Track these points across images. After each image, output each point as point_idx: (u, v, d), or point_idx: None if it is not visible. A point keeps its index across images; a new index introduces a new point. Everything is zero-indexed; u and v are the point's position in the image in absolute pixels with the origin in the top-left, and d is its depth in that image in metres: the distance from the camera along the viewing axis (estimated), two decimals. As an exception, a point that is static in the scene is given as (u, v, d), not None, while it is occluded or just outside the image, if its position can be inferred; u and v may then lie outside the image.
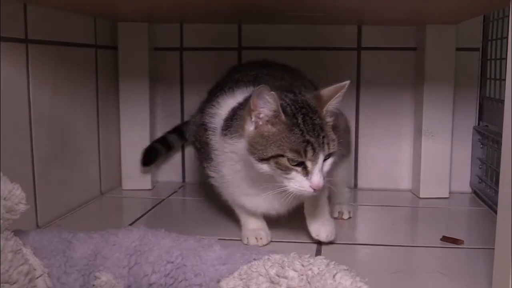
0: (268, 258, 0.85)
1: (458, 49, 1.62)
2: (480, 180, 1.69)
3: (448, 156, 1.65)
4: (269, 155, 1.04)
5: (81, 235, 0.96)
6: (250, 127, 1.07)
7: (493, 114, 1.60)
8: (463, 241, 1.23)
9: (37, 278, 0.85)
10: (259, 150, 1.05)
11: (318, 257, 0.85)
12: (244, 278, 0.84)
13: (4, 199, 0.81)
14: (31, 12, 1.26)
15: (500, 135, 0.88)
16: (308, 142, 1.04)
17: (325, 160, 1.06)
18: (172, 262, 0.89)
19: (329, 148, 1.06)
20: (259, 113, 1.05)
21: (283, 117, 1.04)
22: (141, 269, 0.89)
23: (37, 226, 1.31)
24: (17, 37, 1.23)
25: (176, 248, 0.91)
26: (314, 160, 1.04)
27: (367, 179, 1.74)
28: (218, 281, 0.85)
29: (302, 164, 1.04)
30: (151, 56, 1.73)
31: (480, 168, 1.70)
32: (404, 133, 1.75)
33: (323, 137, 1.05)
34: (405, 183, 1.75)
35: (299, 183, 1.05)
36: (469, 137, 1.70)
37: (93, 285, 0.88)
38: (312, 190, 1.05)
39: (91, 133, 1.61)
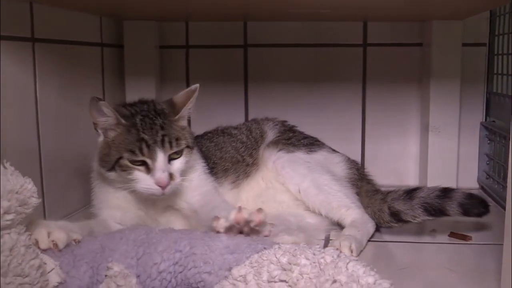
0: (279, 247, 0.86)
1: (464, 44, 1.62)
2: (488, 176, 1.68)
3: (455, 152, 1.65)
4: (113, 160, 1.07)
5: (86, 237, 0.98)
6: (99, 138, 1.11)
7: (501, 110, 1.60)
8: (471, 237, 1.23)
9: (49, 272, 0.86)
10: (106, 160, 1.09)
11: (329, 247, 0.86)
12: (255, 266, 0.84)
13: (17, 192, 0.81)
14: (37, 11, 1.26)
15: (507, 130, 0.88)
16: (142, 139, 1.07)
17: (173, 159, 1.09)
18: (181, 251, 0.90)
19: (170, 147, 1.08)
20: (99, 123, 1.09)
21: (122, 121, 1.08)
22: (150, 258, 0.90)
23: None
24: (23, 36, 1.23)
25: (183, 239, 0.92)
26: (153, 157, 1.06)
27: (374, 175, 1.72)
28: (230, 269, 0.86)
29: (144, 163, 1.07)
30: (157, 55, 1.74)
31: (487, 164, 1.69)
32: (410, 129, 1.75)
33: (163, 135, 1.08)
34: (412, 179, 1.75)
35: (144, 182, 1.07)
36: (476, 133, 1.70)
37: (106, 276, 0.89)
38: (159, 188, 1.07)
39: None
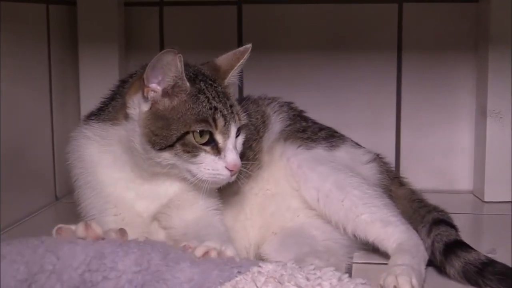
0: (259, 271, 0.86)
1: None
2: None
3: (523, 144, 1.63)
4: (175, 137, 1.09)
5: (10, 249, 0.92)
6: (143, 108, 1.11)
7: None
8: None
9: None
10: (161, 135, 1.09)
11: (326, 268, 0.87)
12: (230, 303, 0.83)
13: None
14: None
15: None
16: (216, 109, 1.10)
17: (236, 136, 1.14)
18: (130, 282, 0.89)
19: (239, 119, 1.14)
20: (158, 85, 1.10)
21: (187, 84, 1.10)
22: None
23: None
24: None
25: (137, 271, 0.90)
26: (226, 133, 1.11)
27: (412, 176, 1.69)
28: None
29: (211, 142, 1.10)
30: (120, 14, 1.72)
31: None
32: (461, 115, 1.74)
33: (231, 105, 1.13)
34: (464, 182, 1.75)
35: (211, 166, 1.10)
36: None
37: None
38: (229, 174, 1.11)
39: (42, 119, 1.60)
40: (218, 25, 1.76)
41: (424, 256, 1.20)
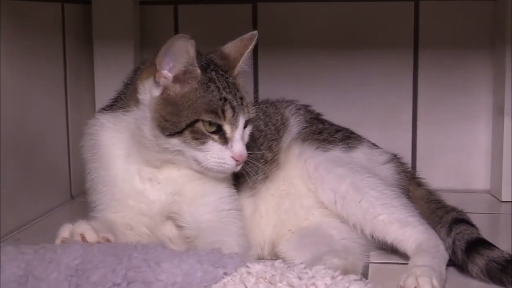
0: (248, 272, 0.86)
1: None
2: None
3: (542, 144, 1.62)
4: (185, 123, 1.10)
5: (10, 249, 0.97)
6: (154, 93, 1.12)
7: None
8: None
9: None
10: (171, 121, 1.11)
11: (318, 267, 0.88)
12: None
13: None
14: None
15: None
16: (225, 100, 1.12)
17: (244, 127, 1.15)
18: (119, 285, 0.89)
19: (248, 112, 1.16)
20: (170, 70, 1.11)
21: (198, 71, 1.11)
22: None
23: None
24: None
25: (122, 265, 0.91)
26: (234, 124, 1.13)
27: (429, 176, 1.68)
28: None
29: (219, 131, 1.12)
30: (135, 12, 1.73)
31: None
32: (478, 114, 1.74)
33: (241, 97, 1.14)
34: (481, 181, 1.75)
35: (217, 154, 1.12)
36: None
37: None
38: (234, 164, 1.12)
39: (57, 117, 1.61)
40: (233, 24, 1.76)
41: (444, 256, 1.19)
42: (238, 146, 1.12)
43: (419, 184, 1.41)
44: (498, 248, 1.16)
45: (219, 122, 1.11)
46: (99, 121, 1.20)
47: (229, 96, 1.12)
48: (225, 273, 0.86)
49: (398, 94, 1.75)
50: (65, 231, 1.06)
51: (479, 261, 1.14)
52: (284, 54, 1.75)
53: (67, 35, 1.62)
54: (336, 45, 1.75)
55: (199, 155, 1.12)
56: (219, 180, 1.19)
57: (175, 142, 1.11)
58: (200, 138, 1.11)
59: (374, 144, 1.42)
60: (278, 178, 1.33)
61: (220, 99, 1.11)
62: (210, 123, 1.11)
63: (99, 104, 1.68)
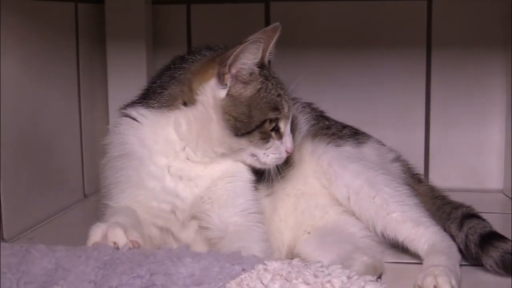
0: (265, 269, 0.86)
1: None
2: None
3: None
4: (255, 124, 1.13)
5: (42, 246, 0.98)
6: (219, 94, 1.13)
7: None
8: None
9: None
10: (243, 122, 1.13)
11: (334, 266, 0.87)
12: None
13: None
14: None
15: None
16: (280, 96, 1.16)
17: None
18: (142, 277, 0.90)
19: (291, 105, 1.20)
20: (238, 72, 1.12)
21: (258, 70, 1.14)
22: (106, 281, 0.90)
23: (3, 240, 1.31)
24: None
25: (145, 262, 0.93)
26: (288, 118, 1.17)
27: (442, 175, 1.72)
28: None
29: (276, 127, 1.16)
30: (148, 11, 1.73)
31: None
32: (492, 113, 1.73)
33: (285, 91, 1.19)
34: (495, 181, 1.74)
35: (277, 150, 1.16)
36: None
37: None
38: (285, 157, 1.18)
39: (70, 117, 1.61)
40: (246, 23, 1.76)
41: (458, 257, 1.19)
42: (290, 139, 1.17)
43: (419, 180, 1.41)
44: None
45: (279, 116, 1.15)
46: (132, 119, 1.18)
47: (281, 92, 1.17)
48: (243, 270, 0.87)
49: (411, 94, 1.75)
50: (97, 234, 1.02)
51: (494, 254, 1.14)
52: (297, 53, 1.74)
53: (80, 35, 1.63)
54: (348, 44, 1.75)
55: (259, 152, 1.15)
56: (248, 180, 1.19)
57: (243, 142, 1.14)
58: (265, 138, 1.14)
59: (380, 141, 1.43)
60: (293, 177, 1.33)
61: (278, 96, 1.16)
62: (271, 121, 1.14)
63: (112, 103, 1.71)
